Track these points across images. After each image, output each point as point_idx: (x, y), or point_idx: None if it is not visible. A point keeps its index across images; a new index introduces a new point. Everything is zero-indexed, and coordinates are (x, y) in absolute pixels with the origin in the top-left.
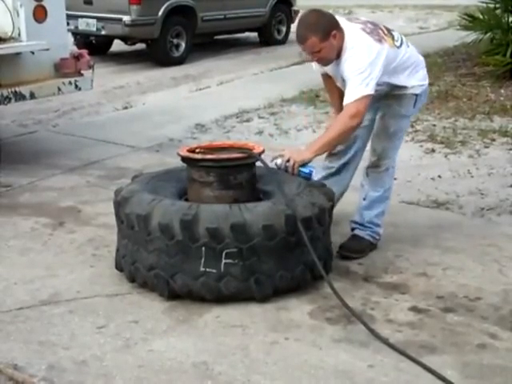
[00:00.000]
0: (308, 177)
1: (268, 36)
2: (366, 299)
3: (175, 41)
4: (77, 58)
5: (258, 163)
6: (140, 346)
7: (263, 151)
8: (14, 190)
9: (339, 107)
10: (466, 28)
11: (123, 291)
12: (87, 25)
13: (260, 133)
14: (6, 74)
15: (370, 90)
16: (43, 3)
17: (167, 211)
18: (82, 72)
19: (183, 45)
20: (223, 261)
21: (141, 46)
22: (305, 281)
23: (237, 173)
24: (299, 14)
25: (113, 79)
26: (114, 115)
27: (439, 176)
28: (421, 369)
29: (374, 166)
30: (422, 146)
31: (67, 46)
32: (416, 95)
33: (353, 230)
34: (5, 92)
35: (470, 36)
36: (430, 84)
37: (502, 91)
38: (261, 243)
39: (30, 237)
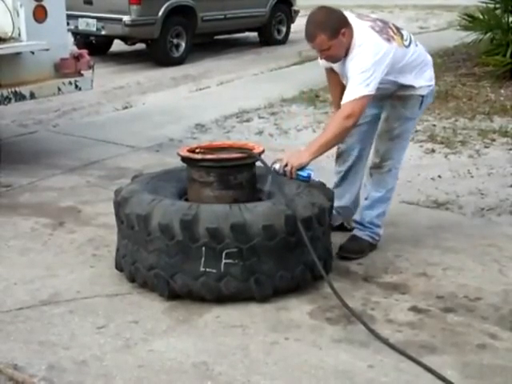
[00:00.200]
0: (306, 180)
1: (268, 36)
2: (365, 299)
3: (175, 41)
4: (77, 58)
5: (258, 163)
6: (140, 346)
7: (263, 151)
8: (14, 190)
9: (339, 104)
10: (465, 28)
11: (123, 291)
12: (87, 25)
13: (260, 133)
14: (6, 74)
15: (369, 90)
16: (43, 3)
17: (167, 211)
18: (82, 72)
19: (183, 45)
20: (223, 261)
21: (141, 46)
22: (305, 281)
23: (237, 173)
24: (300, 13)
25: (113, 79)
26: (114, 115)
27: (439, 176)
28: (421, 369)
29: (376, 167)
30: (422, 146)
31: (67, 46)
32: (422, 96)
33: (352, 229)
34: (5, 92)
35: (470, 36)
36: None
37: (502, 91)
38: (261, 243)
39: (30, 237)
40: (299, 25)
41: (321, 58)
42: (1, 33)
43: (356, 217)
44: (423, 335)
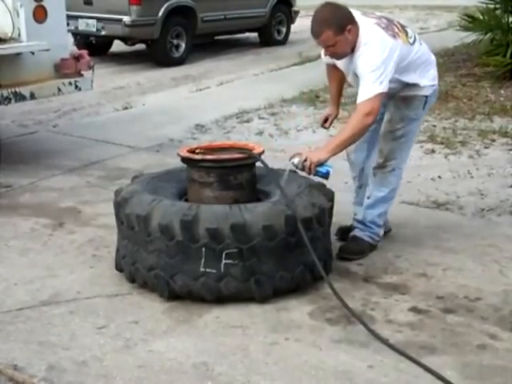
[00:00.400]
0: (325, 176)
1: (268, 36)
2: (365, 300)
3: (175, 41)
4: (77, 58)
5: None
6: (140, 347)
7: (263, 152)
8: (14, 191)
9: (337, 99)
10: (466, 28)
11: (123, 292)
12: (87, 25)
13: (260, 133)
14: (6, 74)
15: (383, 87)
16: (43, 3)
17: (167, 212)
18: (82, 72)
19: (183, 45)
20: (223, 261)
21: (141, 46)
22: (305, 281)
23: (237, 173)
24: (300, 14)
25: (113, 80)
26: (114, 116)
27: (439, 176)
28: (421, 369)
29: (380, 167)
30: (422, 147)
31: (67, 46)
32: (426, 97)
33: (353, 228)
34: (5, 92)
35: (470, 36)
36: None
37: (502, 92)
38: (261, 244)
39: (30, 237)
40: (299, 25)
41: (326, 55)
42: (1, 33)
43: (358, 216)
44: (423, 336)
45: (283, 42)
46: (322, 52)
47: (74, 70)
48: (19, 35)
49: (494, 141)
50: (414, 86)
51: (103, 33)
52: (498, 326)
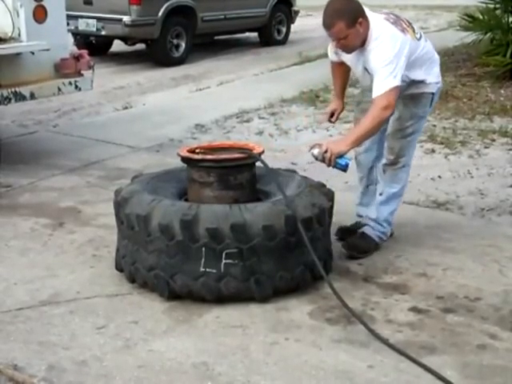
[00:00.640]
0: (344, 168)
1: (268, 36)
2: (365, 299)
3: (175, 41)
4: (77, 58)
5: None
6: (140, 347)
7: (263, 151)
8: (14, 191)
9: (341, 95)
10: (465, 28)
11: (123, 291)
12: (87, 25)
13: (260, 133)
14: (6, 74)
15: (398, 81)
16: (43, 3)
17: (167, 211)
18: (82, 72)
19: (183, 45)
20: (223, 261)
21: (141, 46)
22: (305, 281)
23: (237, 173)
24: (300, 14)
25: (113, 79)
26: (114, 115)
27: (439, 176)
28: (421, 369)
29: (391, 164)
30: (422, 147)
31: (67, 46)
32: (432, 94)
33: (363, 226)
34: (5, 92)
35: (470, 36)
36: None
37: (502, 91)
38: (261, 243)
39: (30, 237)
40: (299, 25)
41: (335, 48)
42: (1, 33)
43: (371, 214)
44: (423, 335)
45: (283, 41)
46: (329, 48)
47: (74, 70)
48: (19, 35)
49: (493, 141)
50: (421, 83)
51: (103, 33)
52: (497, 325)
